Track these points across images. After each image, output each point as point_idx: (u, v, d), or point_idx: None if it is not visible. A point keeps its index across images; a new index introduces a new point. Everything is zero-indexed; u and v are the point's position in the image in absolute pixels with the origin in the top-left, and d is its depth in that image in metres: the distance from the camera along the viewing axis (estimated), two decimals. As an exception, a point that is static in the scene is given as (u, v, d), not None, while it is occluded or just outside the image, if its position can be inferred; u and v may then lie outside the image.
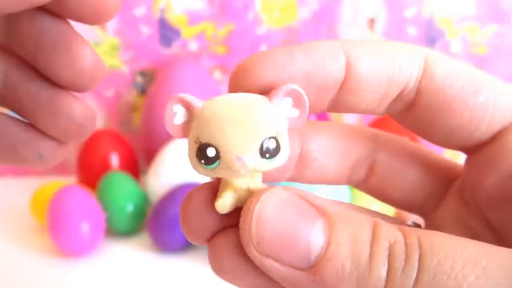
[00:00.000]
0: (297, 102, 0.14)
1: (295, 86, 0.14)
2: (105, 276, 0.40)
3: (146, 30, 0.55)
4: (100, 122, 0.57)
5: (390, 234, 0.13)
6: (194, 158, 0.14)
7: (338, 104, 0.16)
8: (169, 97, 0.14)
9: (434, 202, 0.18)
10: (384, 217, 0.16)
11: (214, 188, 0.15)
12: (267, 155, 0.14)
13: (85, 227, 0.40)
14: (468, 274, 0.12)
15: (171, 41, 0.55)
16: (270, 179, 0.16)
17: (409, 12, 0.55)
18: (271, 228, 0.13)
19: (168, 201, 0.42)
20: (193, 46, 0.55)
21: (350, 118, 0.58)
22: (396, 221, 0.16)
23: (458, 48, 0.55)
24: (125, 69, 0.56)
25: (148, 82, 0.56)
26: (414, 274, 0.12)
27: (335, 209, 0.14)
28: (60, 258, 0.41)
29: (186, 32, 0.55)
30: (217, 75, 0.57)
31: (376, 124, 0.49)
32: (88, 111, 0.18)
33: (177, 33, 0.55)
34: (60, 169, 0.58)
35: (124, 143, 0.51)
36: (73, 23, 0.17)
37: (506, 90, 0.15)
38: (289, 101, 0.14)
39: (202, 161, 0.14)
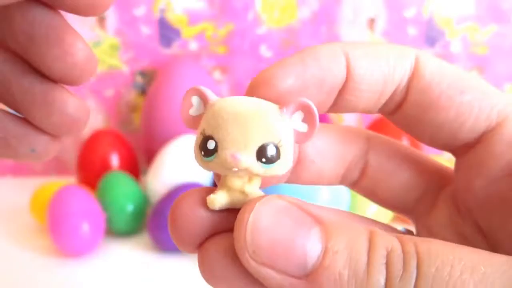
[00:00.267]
0: (308, 117, 0.14)
1: (308, 101, 0.14)
2: (105, 276, 0.40)
3: (146, 30, 0.55)
4: (100, 122, 0.57)
5: (387, 242, 0.13)
6: (197, 149, 0.14)
7: (338, 104, 0.16)
8: (190, 87, 0.15)
9: (426, 206, 0.18)
10: (378, 224, 0.16)
11: (205, 193, 0.15)
12: (264, 160, 0.14)
13: (85, 227, 0.40)
14: (466, 280, 0.12)
15: (171, 41, 0.55)
16: (267, 182, 0.16)
17: (409, 12, 0.55)
18: (267, 236, 0.13)
19: (168, 201, 0.42)
20: (193, 46, 0.55)
21: (350, 119, 0.58)
22: (389, 228, 0.16)
23: (458, 48, 0.55)
24: (125, 69, 0.56)
25: (148, 82, 0.56)
26: (413, 281, 0.12)
27: (331, 217, 0.14)
28: (60, 258, 0.41)
29: (186, 32, 0.55)
30: (217, 75, 0.57)
31: (376, 124, 0.49)
32: (81, 105, 0.17)
33: (177, 33, 0.55)
34: (60, 169, 0.58)
35: (124, 143, 0.51)
36: (73, 23, 0.17)
37: (492, 92, 0.15)
38: (300, 114, 0.14)
39: (202, 152, 0.14)
